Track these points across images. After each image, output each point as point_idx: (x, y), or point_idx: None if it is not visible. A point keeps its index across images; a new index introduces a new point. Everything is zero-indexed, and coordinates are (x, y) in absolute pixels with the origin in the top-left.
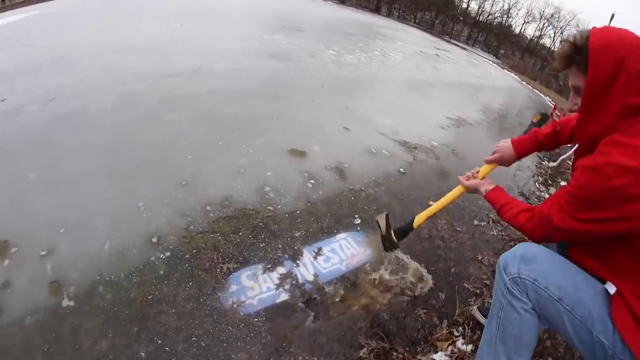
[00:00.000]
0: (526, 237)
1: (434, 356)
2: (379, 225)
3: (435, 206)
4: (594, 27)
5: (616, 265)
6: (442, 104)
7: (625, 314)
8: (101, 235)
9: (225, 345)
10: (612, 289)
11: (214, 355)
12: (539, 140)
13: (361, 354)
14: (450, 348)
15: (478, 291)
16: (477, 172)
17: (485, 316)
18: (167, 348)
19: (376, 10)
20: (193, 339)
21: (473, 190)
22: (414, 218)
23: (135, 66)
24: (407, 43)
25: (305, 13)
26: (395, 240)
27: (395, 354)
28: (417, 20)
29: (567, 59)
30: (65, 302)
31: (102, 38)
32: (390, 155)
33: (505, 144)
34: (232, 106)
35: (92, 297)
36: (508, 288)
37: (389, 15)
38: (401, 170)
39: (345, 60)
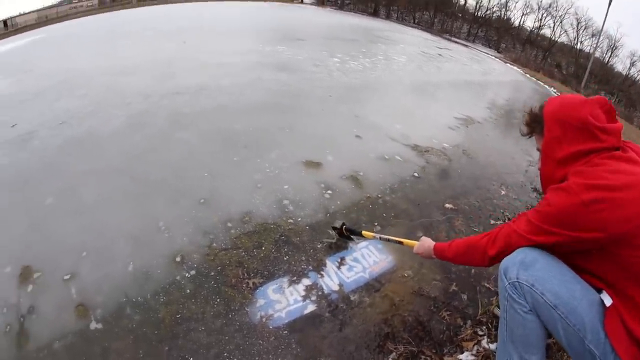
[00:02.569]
0: (486, 261)
1: (461, 356)
2: (333, 229)
3: (384, 237)
4: (550, 97)
5: (610, 278)
6: (449, 104)
7: (618, 326)
8: (123, 257)
9: (257, 358)
10: (607, 300)
11: None
12: None
13: (390, 359)
14: (475, 347)
15: (499, 290)
16: None
17: None
18: None
19: (374, 13)
20: (225, 354)
21: (421, 249)
22: (363, 230)
23: (140, 86)
24: (409, 45)
25: (305, 22)
26: (339, 230)
27: (423, 357)
28: (416, 21)
29: (529, 127)
30: (93, 325)
31: (105, 59)
32: (403, 161)
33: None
34: (241, 121)
35: (119, 319)
36: (508, 292)
37: (387, 17)
38: (415, 174)
39: (350, 67)
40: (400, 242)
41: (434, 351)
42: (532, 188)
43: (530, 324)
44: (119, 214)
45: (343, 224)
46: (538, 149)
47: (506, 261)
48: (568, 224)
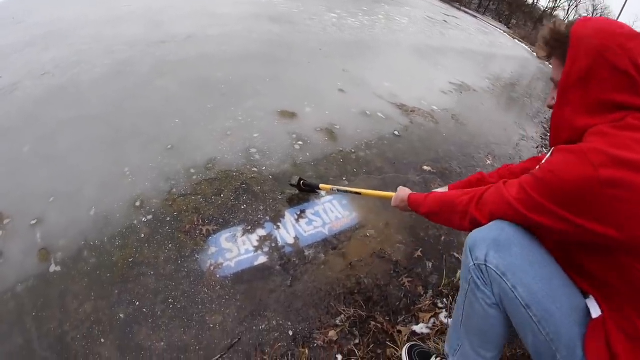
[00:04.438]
0: (467, 224)
1: (415, 327)
2: (291, 186)
3: (342, 189)
4: (584, 17)
5: (607, 287)
6: (446, 69)
7: (600, 346)
8: (88, 202)
9: (200, 307)
10: (595, 311)
11: (190, 317)
12: None
13: (337, 322)
14: (432, 320)
15: (462, 266)
16: None
17: None
18: (145, 310)
19: None
20: (170, 300)
21: (398, 202)
22: (320, 184)
23: (128, 35)
24: (414, 8)
25: None
26: (297, 186)
27: (373, 323)
28: None
29: (547, 47)
30: (53, 268)
31: (95, 9)
32: (385, 118)
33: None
34: (224, 70)
35: (77, 262)
36: (472, 275)
37: None
38: (396, 133)
39: (347, 24)
40: (358, 193)
41: (387, 318)
42: (521, 161)
43: (491, 320)
44: (90, 160)
45: (300, 179)
46: (553, 80)
47: (476, 234)
48: (574, 205)
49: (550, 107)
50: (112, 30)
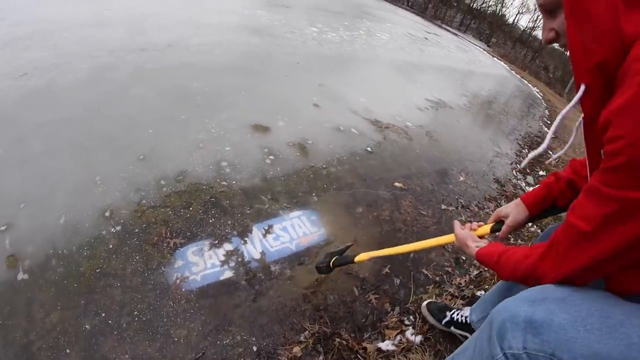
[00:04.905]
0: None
1: (380, 344)
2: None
3: (396, 249)
4: None
5: None
6: (424, 86)
7: None
8: (58, 210)
9: (165, 320)
10: None
11: (155, 330)
12: (553, 195)
13: (301, 338)
14: (398, 337)
15: (438, 278)
16: (477, 227)
17: (435, 315)
18: (110, 321)
19: None
20: (136, 313)
21: (462, 242)
22: (356, 254)
23: (110, 39)
24: (396, 25)
25: None
26: (331, 266)
27: (338, 339)
28: (409, 3)
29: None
30: (21, 276)
31: (81, 11)
32: (358, 134)
33: (515, 205)
34: (201, 80)
35: (45, 270)
36: None
37: None
38: (368, 149)
39: (327, 38)
40: (403, 252)
41: (352, 335)
42: (493, 179)
43: None
44: (62, 166)
45: (331, 259)
46: (540, 6)
47: (503, 315)
48: None
49: (548, 41)
50: (95, 33)
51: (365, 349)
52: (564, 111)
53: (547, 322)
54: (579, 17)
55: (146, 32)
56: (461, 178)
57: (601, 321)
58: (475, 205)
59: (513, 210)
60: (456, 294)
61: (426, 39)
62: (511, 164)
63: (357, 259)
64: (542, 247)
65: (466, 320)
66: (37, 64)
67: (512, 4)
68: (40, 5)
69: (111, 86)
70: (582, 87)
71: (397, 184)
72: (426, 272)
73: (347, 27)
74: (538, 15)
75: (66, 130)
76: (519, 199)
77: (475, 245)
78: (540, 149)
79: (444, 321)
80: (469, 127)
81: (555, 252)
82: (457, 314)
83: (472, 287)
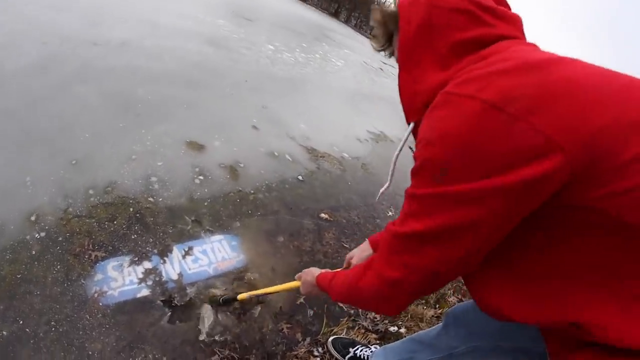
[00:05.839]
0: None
1: None
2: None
3: (264, 290)
4: None
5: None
6: (368, 117)
7: None
8: None
9: (81, 333)
10: None
11: (70, 342)
12: None
13: None
14: None
15: (352, 311)
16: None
17: (340, 351)
18: (27, 330)
19: (335, 14)
20: (53, 323)
21: (309, 288)
22: (239, 293)
23: (64, 27)
24: (353, 52)
25: (262, 3)
26: (221, 302)
27: None
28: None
29: (383, 26)
30: None
31: None
32: (292, 161)
33: (361, 246)
34: (145, 87)
35: None
36: None
37: (347, 21)
38: (300, 177)
39: (281, 58)
40: (271, 293)
41: None
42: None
43: None
44: None
45: (219, 299)
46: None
47: None
48: (488, 159)
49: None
50: (52, 17)
51: None
52: (396, 151)
53: None
54: (408, 68)
55: (102, 24)
56: (390, 213)
57: None
58: None
59: (357, 251)
60: (370, 327)
61: (381, 69)
62: None
63: (239, 297)
64: (364, 265)
65: (368, 358)
66: None
67: None
68: None
69: (55, 80)
70: (412, 125)
71: (323, 214)
72: (341, 304)
73: (303, 49)
74: None
75: (2, 123)
76: (366, 239)
77: (316, 274)
78: (385, 186)
79: (347, 357)
80: (406, 161)
81: (379, 257)
82: (361, 351)
83: (387, 322)
